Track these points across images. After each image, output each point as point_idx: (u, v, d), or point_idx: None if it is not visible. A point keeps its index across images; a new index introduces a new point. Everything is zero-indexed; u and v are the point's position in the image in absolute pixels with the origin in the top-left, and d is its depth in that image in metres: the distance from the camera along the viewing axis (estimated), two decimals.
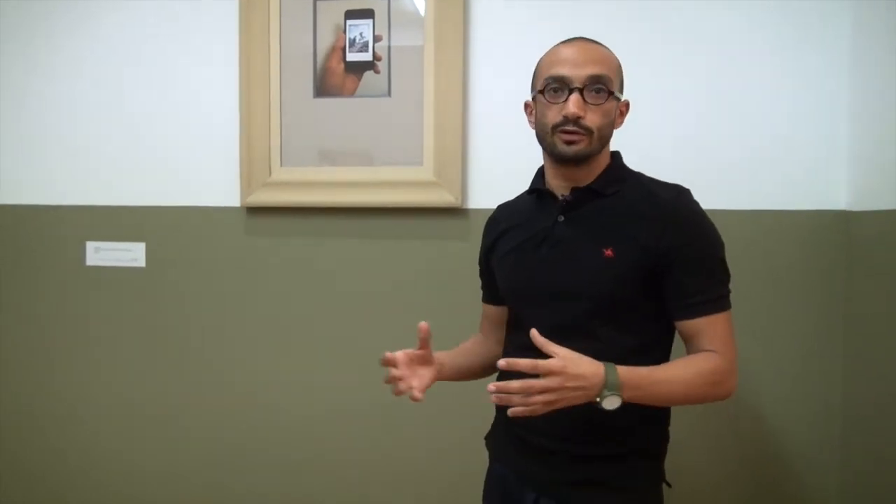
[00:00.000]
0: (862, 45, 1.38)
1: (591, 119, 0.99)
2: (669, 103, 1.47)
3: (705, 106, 1.46)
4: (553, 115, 1.00)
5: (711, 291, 1.00)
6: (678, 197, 1.02)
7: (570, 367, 0.88)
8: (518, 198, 1.18)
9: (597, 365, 0.91)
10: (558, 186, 1.07)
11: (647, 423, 1.03)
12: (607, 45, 1.04)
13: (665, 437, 1.08)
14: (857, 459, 1.37)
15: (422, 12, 1.54)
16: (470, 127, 1.54)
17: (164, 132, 1.68)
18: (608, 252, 1.00)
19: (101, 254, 1.72)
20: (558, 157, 1.02)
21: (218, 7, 1.64)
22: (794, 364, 1.44)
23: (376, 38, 1.57)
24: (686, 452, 1.45)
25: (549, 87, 1.00)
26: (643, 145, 1.45)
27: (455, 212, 1.55)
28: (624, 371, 0.92)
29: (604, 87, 0.99)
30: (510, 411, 0.90)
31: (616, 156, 1.10)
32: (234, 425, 1.68)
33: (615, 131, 1.06)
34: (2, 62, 1.75)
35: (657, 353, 1.03)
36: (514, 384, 0.88)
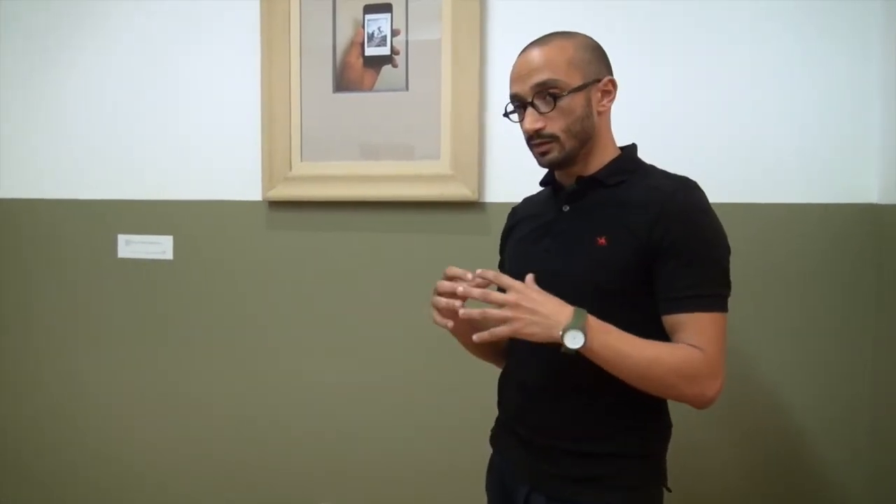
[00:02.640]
0: (894, 35, 1.32)
1: (552, 126, 1.00)
2: (697, 96, 1.44)
3: (733, 99, 1.42)
4: (524, 132, 1.03)
5: (702, 288, 0.95)
6: (679, 189, 0.98)
7: (524, 297, 0.91)
8: (540, 192, 1.18)
9: (563, 304, 0.92)
10: (564, 178, 1.08)
11: (644, 421, 1.01)
12: (572, 34, 1.02)
13: (664, 437, 1.05)
14: (885, 458, 1.31)
15: (439, 6, 1.54)
16: (487, 121, 1.54)
17: (189, 128, 1.72)
18: (601, 240, 0.98)
19: (132, 246, 1.78)
20: (542, 166, 1.06)
21: (240, 4, 1.67)
22: (823, 360, 1.39)
23: (394, 33, 1.57)
24: (709, 453, 1.42)
25: (511, 107, 1.05)
26: (669, 139, 1.43)
27: (472, 205, 1.55)
28: (594, 318, 0.91)
29: (552, 90, 0.98)
30: (461, 313, 0.93)
31: (628, 148, 1.08)
32: (254, 413, 1.71)
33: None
34: (35, 61, 1.82)
35: None
36: (475, 311, 0.92)
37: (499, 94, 1.53)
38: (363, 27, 1.59)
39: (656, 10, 1.44)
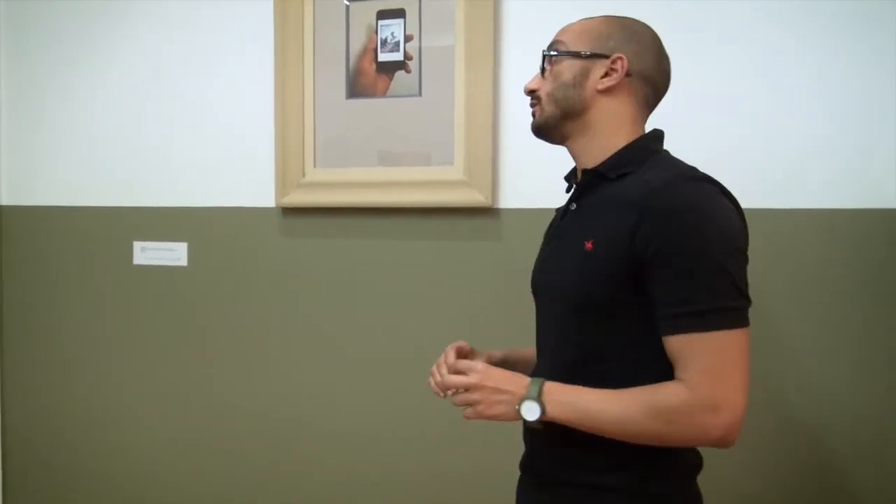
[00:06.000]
0: None
1: (543, 88, 0.97)
2: (714, 101, 1.42)
3: (746, 103, 1.41)
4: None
5: (694, 303, 0.80)
6: (666, 183, 0.84)
7: (485, 377, 0.89)
8: None
9: (522, 377, 0.88)
10: (580, 173, 0.99)
11: (647, 457, 0.87)
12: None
13: (678, 477, 0.91)
14: None
15: (453, 12, 1.53)
16: (501, 126, 1.53)
17: (203, 135, 1.73)
18: (588, 245, 0.88)
19: (147, 253, 1.79)
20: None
21: (253, 11, 1.67)
22: (846, 366, 1.38)
23: (407, 38, 1.57)
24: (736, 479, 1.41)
25: None
26: (684, 144, 1.41)
27: (486, 212, 1.54)
28: (552, 383, 0.86)
29: (552, 51, 0.96)
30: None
31: (645, 135, 0.96)
32: (269, 419, 1.72)
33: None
34: (51, 69, 1.83)
35: (646, 377, 0.84)
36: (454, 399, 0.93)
37: (513, 100, 1.52)
38: (376, 33, 1.58)
39: (672, 15, 1.43)
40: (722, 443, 0.82)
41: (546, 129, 0.98)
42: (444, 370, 0.96)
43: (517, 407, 0.86)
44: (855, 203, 1.36)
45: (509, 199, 1.53)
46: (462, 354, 1.05)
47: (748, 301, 0.84)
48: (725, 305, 0.81)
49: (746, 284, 0.84)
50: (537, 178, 1.50)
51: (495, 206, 1.54)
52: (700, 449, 0.95)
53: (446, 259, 1.58)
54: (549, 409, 0.85)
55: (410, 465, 1.62)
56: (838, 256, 1.37)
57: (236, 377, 1.73)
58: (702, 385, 0.80)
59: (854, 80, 1.36)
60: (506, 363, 1.07)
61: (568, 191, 1.03)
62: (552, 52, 0.96)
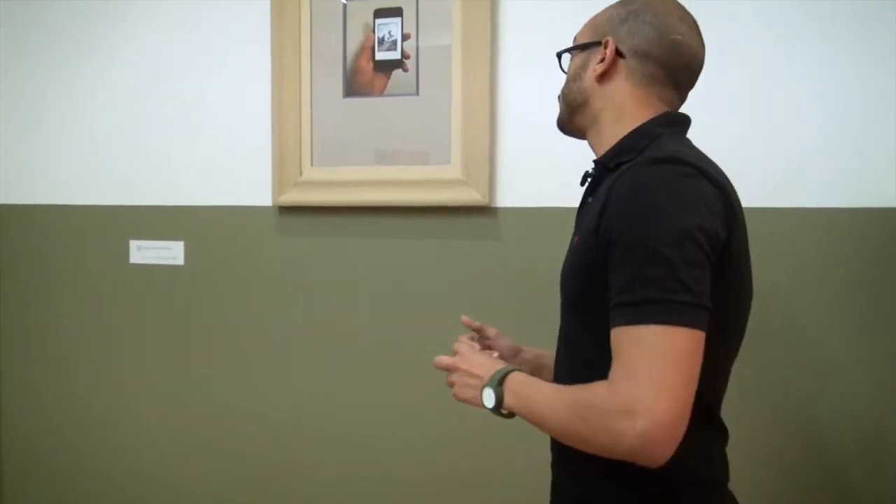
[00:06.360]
0: None
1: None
2: (709, 101, 1.41)
3: (747, 102, 1.40)
4: None
5: (625, 293, 0.72)
6: (634, 165, 0.79)
7: (463, 359, 0.90)
8: None
9: (496, 362, 0.88)
10: None
11: (632, 472, 0.75)
12: None
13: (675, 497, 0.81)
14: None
15: (450, 10, 1.53)
16: (498, 125, 1.52)
17: (199, 133, 1.72)
18: (576, 239, 0.87)
19: (143, 252, 1.78)
20: None
21: (250, 10, 1.67)
22: (839, 367, 1.37)
23: (405, 37, 1.56)
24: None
25: None
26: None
27: (483, 210, 1.53)
28: (517, 374, 0.83)
29: (560, 52, 0.98)
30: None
31: (649, 121, 0.88)
32: (265, 419, 1.71)
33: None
34: (47, 67, 1.83)
35: None
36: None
37: (510, 98, 1.52)
38: (373, 31, 1.58)
39: None
40: (640, 455, 0.70)
41: (562, 126, 0.99)
42: (457, 346, 0.97)
43: (480, 393, 0.84)
44: (855, 202, 1.35)
45: (507, 197, 1.52)
46: (484, 335, 1.07)
47: (695, 296, 0.71)
48: (657, 297, 0.70)
49: (700, 280, 0.72)
50: (535, 177, 1.50)
51: (493, 205, 1.53)
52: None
53: (444, 258, 1.57)
54: (506, 398, 0.82)
55: (410, 465, 1.61)
56: (838, 256, 1.36)
57: (233, 376, 1.72)
58: (619, 383, 0.71)
59: (854, 80, 1.36)
60: (539, 361, 1.08)
61: (582, 183, 0.98)
62: (559, 53, 0.98)
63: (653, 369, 0.69)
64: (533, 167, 1.49)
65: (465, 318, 1.11)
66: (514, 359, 1.07)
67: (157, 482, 1.79)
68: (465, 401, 0.88)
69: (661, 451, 0.69)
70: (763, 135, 1.39)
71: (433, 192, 1.55)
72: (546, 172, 1.48)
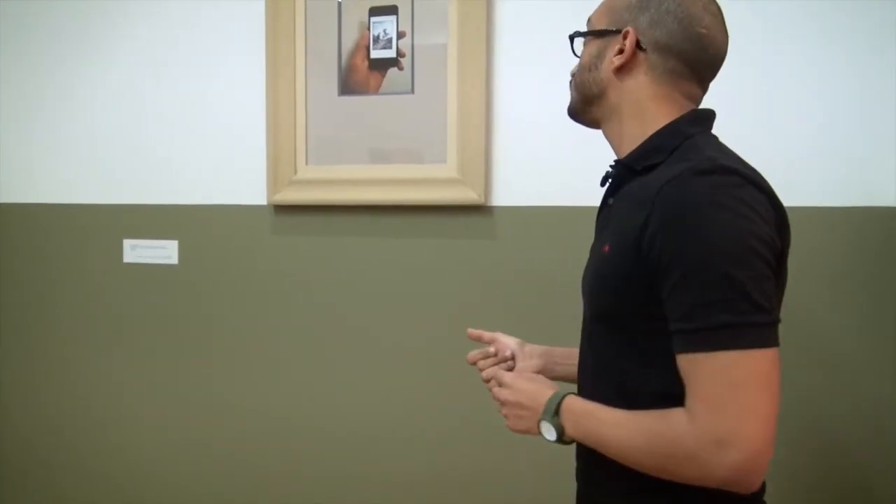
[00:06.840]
0: None
1: (575, 72, 0.92)
2: (708, 100, 1.40)
3: (747, 102, 1.39)
4: None
5: (695, 318, 0.68)
6: (674, 178, 0.72)
7: (513, 391, 0.87)
8: None
9: (545, 389, 0.84)
10: None
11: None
12: None
13: None
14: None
15: (445, 8, 1.52)
16: (494, 124, 1.51)
17: (194, 132, 1.71)
18: (606, 248, 0.80)
19: (138, 251, 1.77)
20: None
21: (245, 8, 1.66)
22: (839, 366, 1.35)
23: (400, 35, 1.55)
24: None
25: None
26: None
27: (479, 209, 1.52)
28: (571, 399, 0.80)
29: (573, 34, 0.91)
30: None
31: (678, 120, 0.83)
32: (260, 418, 1.69)
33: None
34: (40, 66, 1.82)
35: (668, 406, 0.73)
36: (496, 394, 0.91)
37: (506, 97, 1.51)
38: (368, 29, 1.57)
39: None
40: (734, 485, 0.68)
41: (574, 115, 0.93)
42: (499, 376, 0.93)
43: (538, 426, 0.83)
44: (854, 202, 1.34)
45: (502, 196, 1.51)
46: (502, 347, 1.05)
47: (768, 315, 0.70)
48: (731, 322, 0.68)
49: (769, 295, 0.71)
50: (530, 176, 1.48)
51: (488, 204, 1.52)
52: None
53: (439, 257, 1.56)
54: (567, 429, 0.80)
55: (410, 464, 1.60)
56: (838, 255, 1.35)
57: (228, 375, 1.71)
58: (704, 415, 0.68)
59: (854, 80, 1.35)
60: (548, 360, 1.05)
61: (602, 184, 0.91)
62: (572, 35, 0.92)
63: (737, 397, 0.67)
64: (529, 166, 1.48)
65: (471, 330, 1.08)
66: (521, 353, 1.05)
67: (156, 481, 1.78)
68: (522, 433, 0.86)
69: (755, 478, 0.69)
70: (763, 134, 1.38)
71: (429, 190, 1.53)
72: (542, 171, 1.47)
